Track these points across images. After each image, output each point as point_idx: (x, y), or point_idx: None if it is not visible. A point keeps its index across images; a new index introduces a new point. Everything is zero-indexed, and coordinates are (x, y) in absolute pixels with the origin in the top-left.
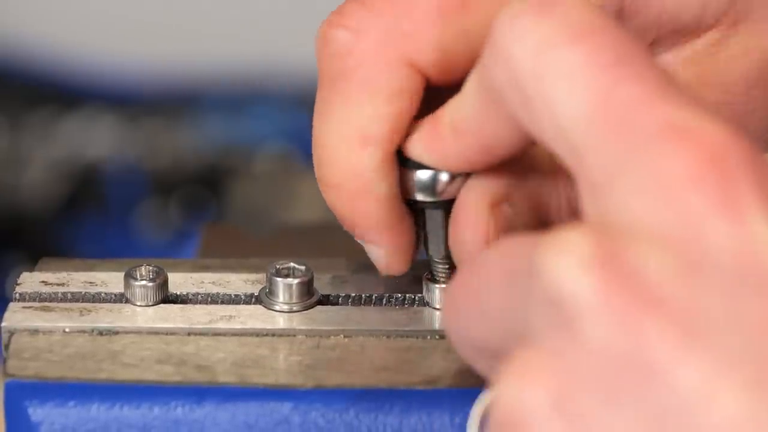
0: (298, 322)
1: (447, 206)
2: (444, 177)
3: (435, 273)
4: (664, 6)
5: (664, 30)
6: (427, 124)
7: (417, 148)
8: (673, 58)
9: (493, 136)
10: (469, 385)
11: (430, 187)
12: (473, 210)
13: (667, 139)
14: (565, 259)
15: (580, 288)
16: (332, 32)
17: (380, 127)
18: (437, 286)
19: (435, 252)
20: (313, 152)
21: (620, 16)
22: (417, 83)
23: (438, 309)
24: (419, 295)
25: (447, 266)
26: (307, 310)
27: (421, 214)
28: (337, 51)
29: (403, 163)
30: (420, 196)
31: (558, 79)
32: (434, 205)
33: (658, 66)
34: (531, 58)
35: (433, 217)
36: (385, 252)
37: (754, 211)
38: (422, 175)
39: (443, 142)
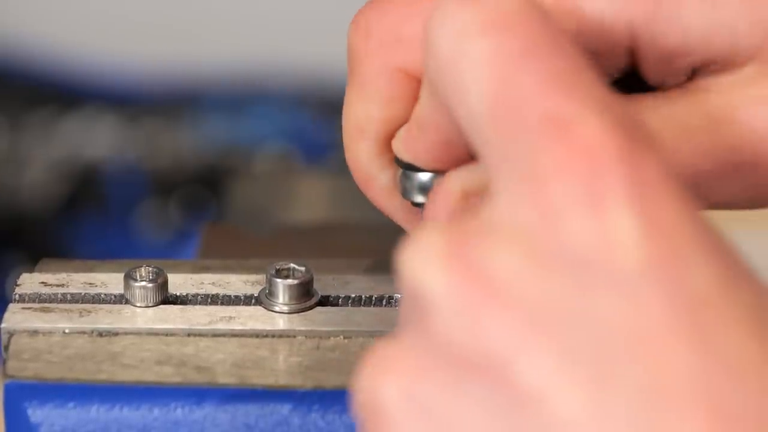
0: (298, 323)
1: None
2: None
3: None
4: (687, 35)
5: (692, 60)
6: (406, 124)
7: (398, 148)
8: (708, 89)
9: (450, 130)
10: None
11: (428, 188)
12: (442, 199)
13: (544, 131)
14: (418, 254)
15: (429, 282)
16: (350, 26)
17: (372, 126)
18: None
19: None
20: None
21: (636, 42)
22: (411, 89)
23: None
24: None
25: None
26: (306, 311)
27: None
28: (349, 47)
29: (403, 165)
30: (419, 198)
31: (469, 68)
32: None
33: (569, 58)
34: (449, 47)
35: None
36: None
37: (617, 207)
38: (422, 177)
39: (414, 141)
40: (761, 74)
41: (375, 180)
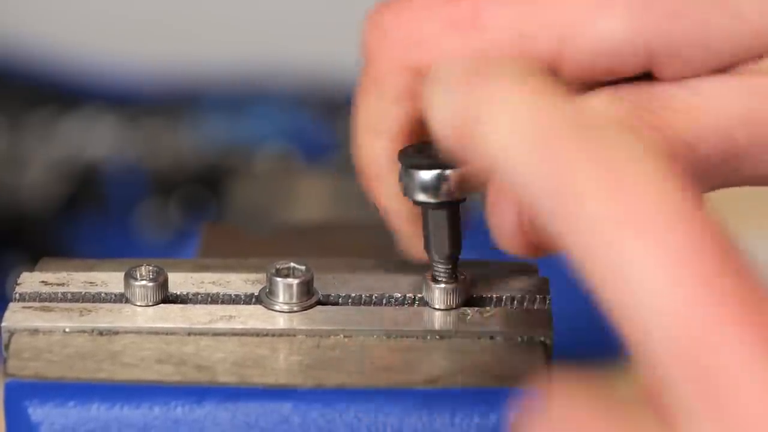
0: (298, 322)
1: (450, 206)
2: (447, 177)
3: (436, 273)
4: (710, 46)
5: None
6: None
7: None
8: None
9: None
10: (469, 385)
11: (433, 187)
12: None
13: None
14: None
15: None
16: (365, 25)
17: (388, 125)
18: (437, 286)
19: (439, 252)
20: None
21: (652, 57)
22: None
23: (438, 309)
24: (419, 295)
25: (449, 266)
26: (307, 310)
27: (424, 214)
28: (363, 45)
29: (407, 163)
30: (422, 197)
31: (637, 276)
32: (437, 205)
33: (756, 284)
34: (607, 245)
35: (437, 218)
36: (403, 237)
37: None
38: (425, 175)
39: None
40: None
41: (384, 180)
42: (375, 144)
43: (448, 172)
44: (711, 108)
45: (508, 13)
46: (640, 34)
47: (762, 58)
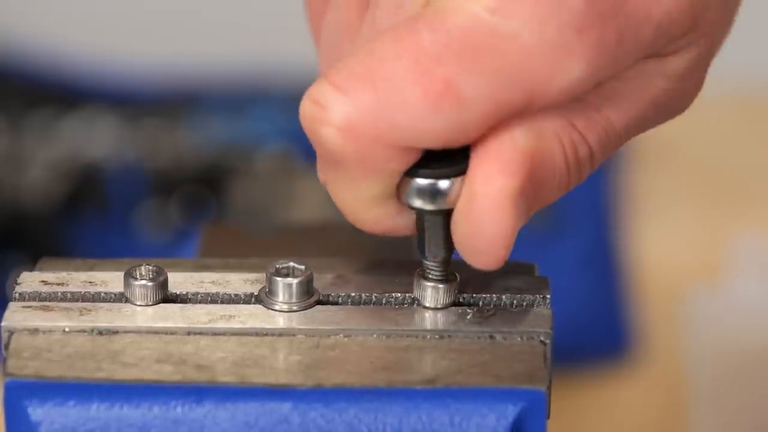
0: (298, 321)
1: (447, 212)
2: (444, 185)
3: (428, 273)
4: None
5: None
6: None
7: None
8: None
9: None
10: (468, 385)
11: (430, 194)
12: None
13: None
14: None
15: None
16: (316, 128)
17: (387, 190)
18: (429, 284)
19: (434, 255)
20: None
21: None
22: (415, 156)
23: (429, 307)
24: None
25: (442, 267)
26: (306, 309)
27: (419, 218)
28: (328, 148)
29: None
30: (419, 203)
31: None
32: (434, 211)
33: None
34: None
35: (433, 223)
36: None
37: None
38: (422, 182)
39: None
40: None
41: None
42: (377, 211)
43: (444, 179)
44: (630, 91)
45: (481, 81)
46: (597, 70)
47: (679, 39)
